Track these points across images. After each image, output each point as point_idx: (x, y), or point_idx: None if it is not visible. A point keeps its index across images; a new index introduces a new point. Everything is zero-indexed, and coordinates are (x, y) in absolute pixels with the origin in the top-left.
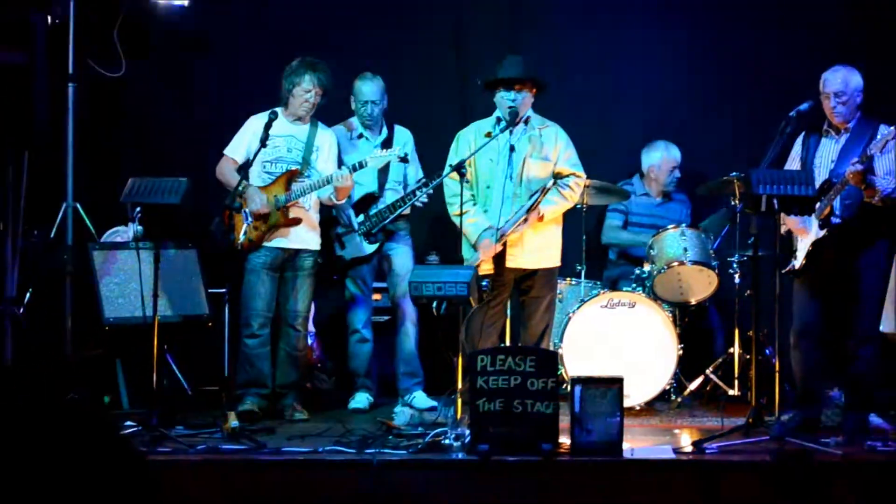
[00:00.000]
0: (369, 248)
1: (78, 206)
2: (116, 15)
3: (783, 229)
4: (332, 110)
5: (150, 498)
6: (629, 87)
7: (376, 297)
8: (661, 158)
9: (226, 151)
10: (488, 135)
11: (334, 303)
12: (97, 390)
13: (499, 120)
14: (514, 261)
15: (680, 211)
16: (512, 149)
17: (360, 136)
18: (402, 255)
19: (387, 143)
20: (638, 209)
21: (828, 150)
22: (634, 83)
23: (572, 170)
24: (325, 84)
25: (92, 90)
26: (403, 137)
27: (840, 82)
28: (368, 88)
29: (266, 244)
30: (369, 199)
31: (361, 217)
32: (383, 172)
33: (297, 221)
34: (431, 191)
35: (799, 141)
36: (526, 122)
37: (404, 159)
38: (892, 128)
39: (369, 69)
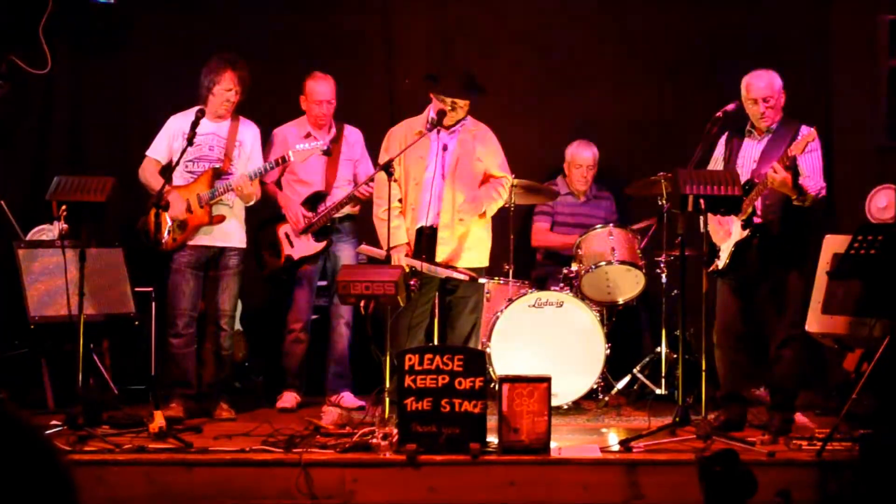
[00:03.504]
0: (317, 247)
1: (2, 203)
2: (42, 11)
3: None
4: (272, 107)
5: (70, 500)
6: (556, 85)
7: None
8: (570, 156)
9: (148, 153)
10: (419, 133)
11: (264, 300)
12: (22, 389)
13: (432, 120)
14: (442, 258)
15: (605, 208)
16: (445, 148)
17: (308, 134)
18: (347, 256)
19: (335, 143)
20: (563, 209)
21: (750, 151)
22: (561, 81)
23: (503, 172)
24: (245, 81)
25: (17, 87)
26: (353, 137)
27: (765, 87)
28: (323, 88)
29: (190, 242)
30: (318, 197)
31: (310, 214)
32: (331, 170)
33: (220, 219)
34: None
35: (722, 141)
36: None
37: (327, 152)
38: (813, 129)
39: (300, 66)
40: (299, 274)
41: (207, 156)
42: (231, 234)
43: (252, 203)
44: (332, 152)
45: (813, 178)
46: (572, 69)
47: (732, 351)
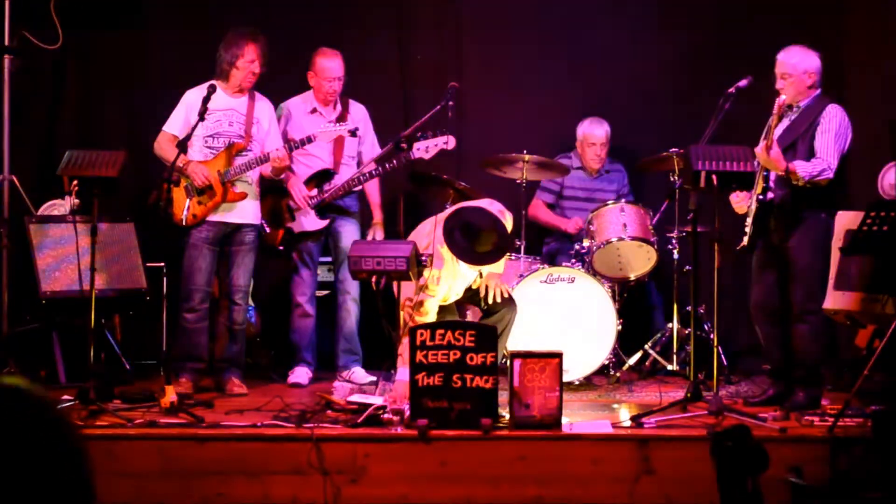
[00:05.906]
0: (320, 223)
1: (14, 178)
2: None
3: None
4: (274, 85)
5: (86, 475)
6: (570, 59)
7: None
8: (582, 134)
9: (164, 127)
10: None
11: (276, 276)
12: (34, 364)
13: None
14: None
15: (618, 181)
16: None
17: (314, 110)
18: (349, 232)
19: (340, 119)
20: (574, 183)
21: (781, 127)
22: (576, 56)
23: None
24: (265, 54)
25: (29, 62)
26: (359, 114)
27: (781, 62)
28: (335, 65)
29: (208, 218)
30: (324, 174)
31: (315, 191)
32: (338, 148)
33: (242, 196)
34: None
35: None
36: None
37: (354, 134)
38: (829, 106)
39: (308, 40)
40: (300, 249)
41: (227, 132)
42: (247, 210)
43: (282, 177)
44: (357, 134)
45: (820, 156)
46: (585, 42)
47: (768, 326)
